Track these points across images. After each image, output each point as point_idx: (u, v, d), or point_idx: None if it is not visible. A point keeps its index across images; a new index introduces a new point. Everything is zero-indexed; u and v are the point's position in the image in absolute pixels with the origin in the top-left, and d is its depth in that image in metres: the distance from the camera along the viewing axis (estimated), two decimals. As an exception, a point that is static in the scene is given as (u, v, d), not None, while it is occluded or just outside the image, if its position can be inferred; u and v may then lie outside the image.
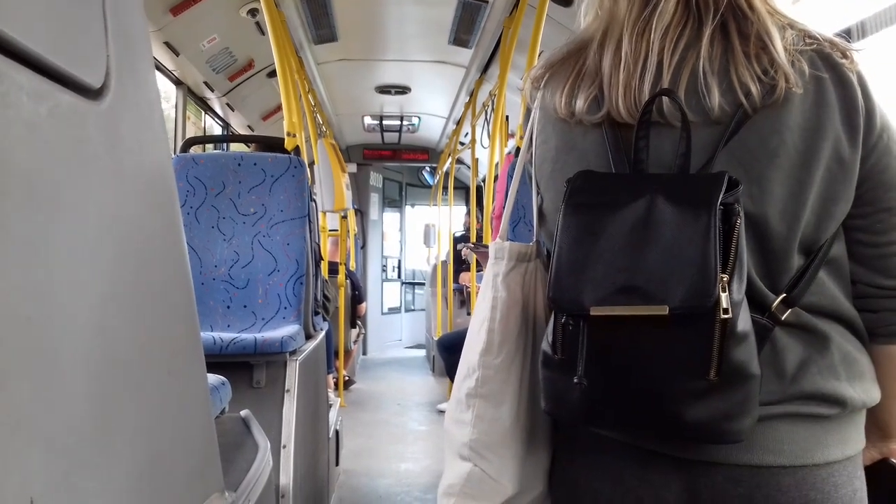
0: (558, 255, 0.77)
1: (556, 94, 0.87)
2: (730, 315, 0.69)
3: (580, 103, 0.84)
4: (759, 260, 0.79)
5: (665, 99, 0.79)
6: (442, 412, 4.80)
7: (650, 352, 0.72)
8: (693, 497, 0.80)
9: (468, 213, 7.09)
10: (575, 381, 0.75)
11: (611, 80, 0.82)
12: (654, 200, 0.73)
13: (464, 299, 6.26)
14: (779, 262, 0.79)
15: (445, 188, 7.65)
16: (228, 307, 2.48)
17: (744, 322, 0.71)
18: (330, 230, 4.92)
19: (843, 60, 0.80)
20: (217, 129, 5.15)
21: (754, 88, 0.77)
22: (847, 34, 1.90)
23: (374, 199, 9.07)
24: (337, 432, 3.39)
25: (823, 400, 0.78)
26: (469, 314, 3.88)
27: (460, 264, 6.26)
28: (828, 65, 0.79)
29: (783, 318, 0.78)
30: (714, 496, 0.79)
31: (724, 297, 0.68)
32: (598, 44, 0.85)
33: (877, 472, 0.84)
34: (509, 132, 4.41)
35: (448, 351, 4.30)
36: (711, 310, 0.68)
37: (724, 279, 0.69)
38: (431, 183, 9.41)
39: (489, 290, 0.91)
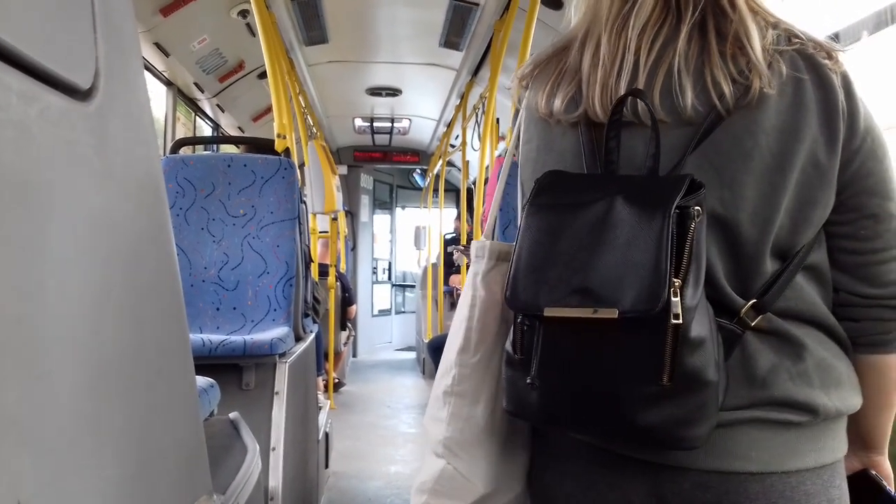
0: (517, 256, 0.76)
1: (538, 93, 0.86)
2: (681, 321, 0.67)
3: (557, 102, 0.83)
4: (728, 264, 0.77)
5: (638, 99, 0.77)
6: (432, 414, 4.77)
7: (603, 354, 0.71)
8: (660, 502, 0.78)
9: (458, 216, 7.09)
10: (528, 381, 0.74)
11: (589, 79, 0.81)
12: (613, 202, 0.72)
13: (454, 302, 6.26)
14: (750, 267, 0.77)
15: (436, 190, 7.65)
16: (218, 309, 2.47)
17: (699, 328, 0.70)
18: (320, 232, 4.91)
19: (827, 61, 0.77)
20: (207, 131, 5.13)
21: (727, 90, 0.75)
22: (836, 38, 1.92)
23: (365, 200, 9.06)
24: (326, 434, 3.38)
25: (794, 406, 0.76)
26: (459, 316, 3.88)
27: (451, 267, 6.26)
28: (809, 65, 0.77)
29: (753, 323, 0.76)
30: (682, 502, 0.77)
31: (675, 301, 0.67)
32: (580, 42, 0.84)
33: (854, 483, 0.83)
34: (499, 135, 4.42)
35: (438, 353, 4.27)
36: (662, 314, 0.67)
37: (677, 284, 0.67)
38: (422, 185, 9.40)
39: (469, 289, 0.90)
